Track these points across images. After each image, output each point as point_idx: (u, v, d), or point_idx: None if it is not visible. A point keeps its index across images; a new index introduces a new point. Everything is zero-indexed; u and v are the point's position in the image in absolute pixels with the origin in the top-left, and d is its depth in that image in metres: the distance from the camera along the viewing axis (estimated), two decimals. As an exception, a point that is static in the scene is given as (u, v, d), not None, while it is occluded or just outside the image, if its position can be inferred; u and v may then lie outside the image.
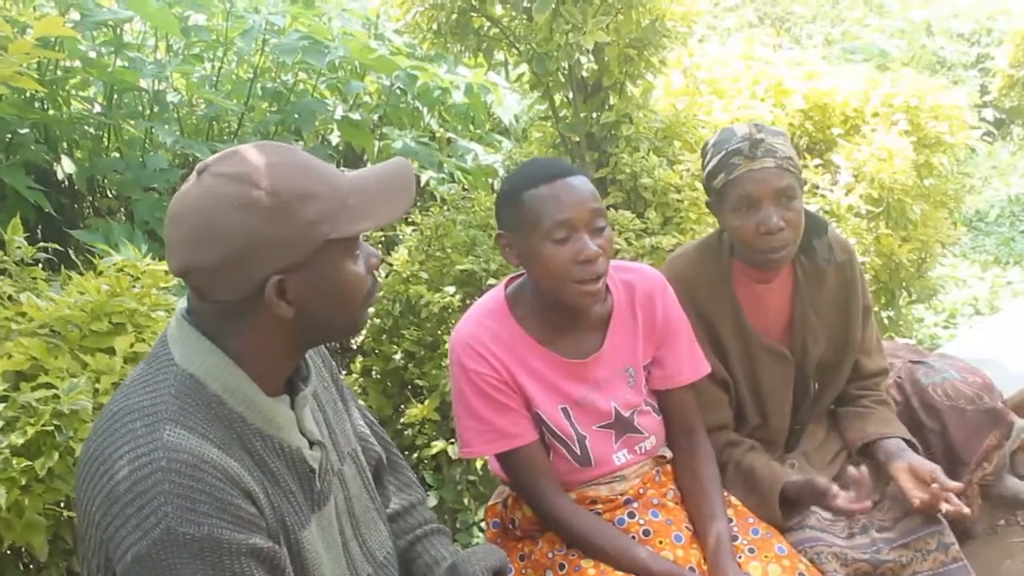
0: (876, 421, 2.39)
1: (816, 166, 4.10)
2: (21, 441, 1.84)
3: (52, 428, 1.88)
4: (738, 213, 2.21)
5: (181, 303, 1.45)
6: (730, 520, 2.12)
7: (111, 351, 2.11)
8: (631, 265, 2.22)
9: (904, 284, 4.39)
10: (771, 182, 2.17)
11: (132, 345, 2.13)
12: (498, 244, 2.05)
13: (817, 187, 3.98)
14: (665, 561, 1.98)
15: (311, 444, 1.51)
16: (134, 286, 2.28)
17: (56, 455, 1.85)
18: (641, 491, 2.14)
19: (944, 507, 2.15)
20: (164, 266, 2.33)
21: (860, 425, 2.40)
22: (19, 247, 2.36)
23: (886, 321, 4.44)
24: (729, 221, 2.24)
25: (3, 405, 1.87)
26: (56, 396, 1.91)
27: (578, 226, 1.92)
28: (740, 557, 2.03)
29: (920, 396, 2.52)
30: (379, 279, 2.01)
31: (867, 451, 2.36)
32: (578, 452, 2.07)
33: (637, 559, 1.96)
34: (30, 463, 1.84)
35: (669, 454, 2.26)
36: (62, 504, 2.05)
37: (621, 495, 2.12)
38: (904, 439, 2.34)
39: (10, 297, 2.22)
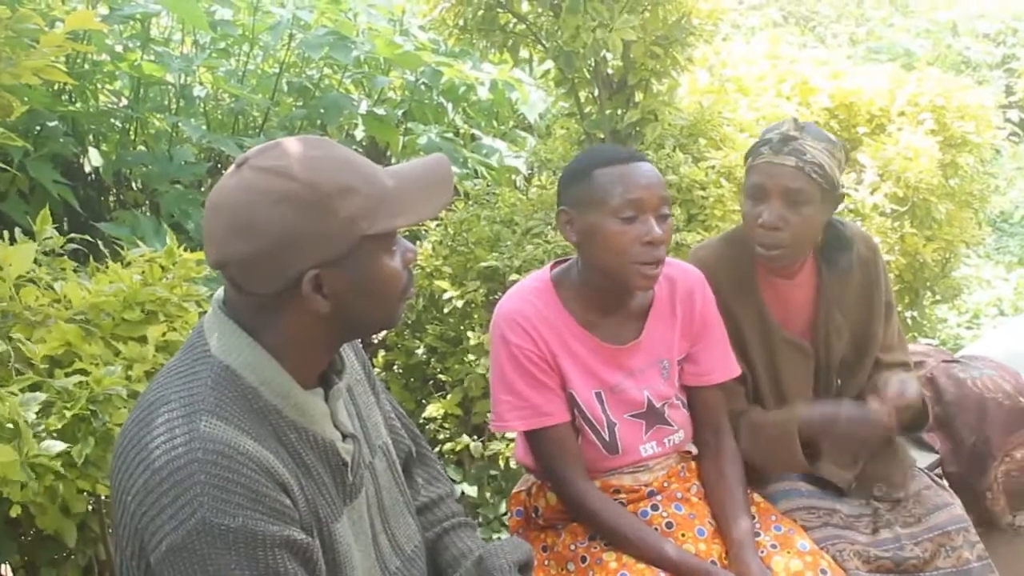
0: (879, 376, 2.39)
1: (841, 165, 4.09)
2: (59, 425, 1.85)
3: (88, 413, 1.89)
4: (749, 200, 2.22)
5: (218, 294, 1.45)
6: (753, 517, 2.13)
7: (143, 340, 2.12)
8: (672, 260, 2.22)
9: (928, 284, 4.39)
10: (783, 180, 2.15)
11: (164, 334, 2.15)
12: (558, 220, 2.06)
13: (842, 186, 3.96)
14: (688, 554, 1.98)
15: (344, 437, 1.51)
16: (164, 277, 2.30)
17: (92, 441, 1.87)
18: (665, 484, 2.15)
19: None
20: (194, 257, 2.34)
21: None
22: (49, 237, 2.38)
23: (909, 321, 4.43)
24: (742, 205, 2.26)
25: (44, 396, 1.88)
26: (92, 381, 1.93)
27: (646, 208, 1.95)
28: (763, 552, 2.03)
29: (958, 388, 2.51)
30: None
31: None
32: (607, 439, 2.08)
33: (660, 550, 1.97)
34: (67, 448, 1.85)
35: (694, 450, 2.27)
36: (86, 492, 2.07)
37: (645, 486, 2.13)
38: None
39: (46, 285, 2.24)
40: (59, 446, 1.83)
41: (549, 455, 2.08)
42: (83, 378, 1.95)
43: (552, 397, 2.05)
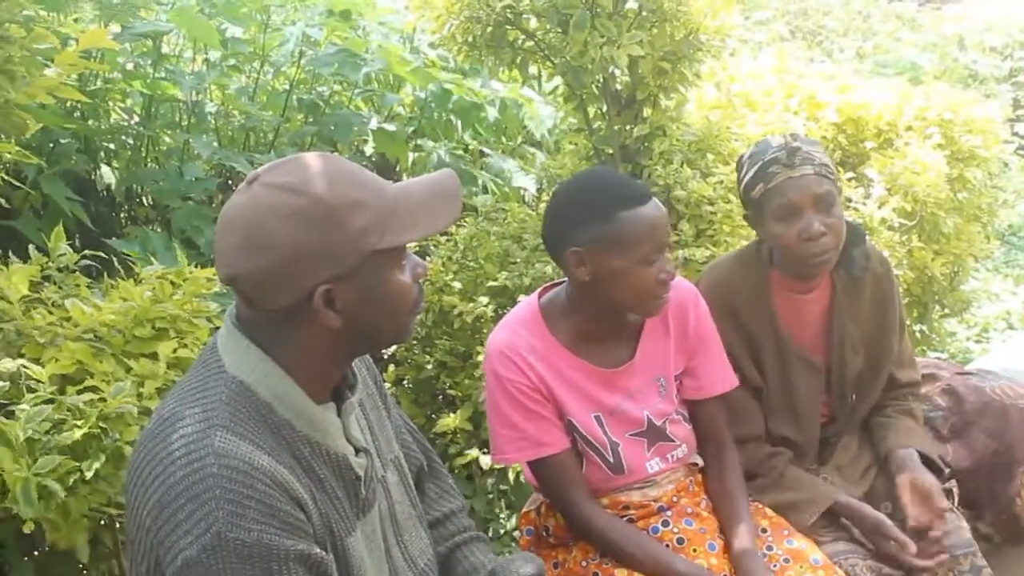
0: (896, 431, 2.40)
1: (849, 179, 4.08)
2: (68, 442, 1.86)
3: (99, 431, 1.90)
4: (780, 221, 2.21)
5: (230, 310, 1.46)
6: (765, 530, 2.15)
7: (154, 356, 2.13)
8: None
9: (937, 298, 4.37)
10: (811, 188, 2.17)
11: (175, 351, 2.16)
12: (565, 261, 2.02)
13: (850, 200, 3.96)
14: (699, 567, 1.99)
15: (357, 451, 1.52)
16: (175, 293, 2.31)
17: (103, 457, 1.88)
18: (675, 499, 2.16)
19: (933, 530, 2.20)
20: (205, 273, 2.35)
21: (883, 435, 2.42)
22: (63, 254, 2.40)
23: (918, 335, 4.42)
24: (770, 230, 2.24)
25: (50, 407, 1.90)
26: (102, 399, 1.94)
27: (663, 247, 1.97)
28: (775, 567, 2.05)
29: (978, 396, 2.49)
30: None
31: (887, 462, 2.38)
32: (611, 460, 2.09)
33: (670, 566, 1.98)
34: (77, 464, 1.87)
35: (702, 462, 2.28)
36: (103, 507, 2.08)
37: (654, 501, 2.14)
38: (922, 452, 2.35)
39: (55, 303, 2.25)
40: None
41: (551, 482, 2.09)
42: (94, 396, 1.96)
43: (548, 427, 2.06)
